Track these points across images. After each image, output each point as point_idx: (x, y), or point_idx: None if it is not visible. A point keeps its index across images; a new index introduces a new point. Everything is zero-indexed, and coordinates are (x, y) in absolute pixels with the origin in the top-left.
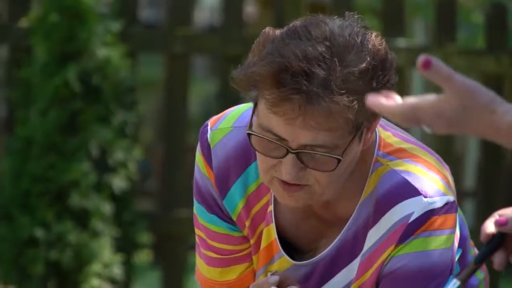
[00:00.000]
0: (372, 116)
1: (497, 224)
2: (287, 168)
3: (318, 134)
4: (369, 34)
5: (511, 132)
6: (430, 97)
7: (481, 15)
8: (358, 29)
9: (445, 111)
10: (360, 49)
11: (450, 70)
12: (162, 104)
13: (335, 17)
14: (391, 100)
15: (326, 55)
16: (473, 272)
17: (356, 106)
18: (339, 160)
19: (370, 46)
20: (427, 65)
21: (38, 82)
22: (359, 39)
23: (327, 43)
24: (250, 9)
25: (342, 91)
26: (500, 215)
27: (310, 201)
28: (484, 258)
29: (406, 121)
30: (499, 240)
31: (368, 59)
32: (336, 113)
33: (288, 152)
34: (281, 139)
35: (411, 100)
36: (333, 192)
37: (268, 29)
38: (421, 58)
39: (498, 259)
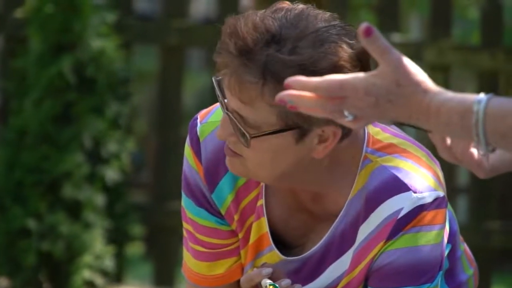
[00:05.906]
0: (318, 123)
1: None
2: (220, 125)
3: (237, 102)
4: (339, 42)
5: (440, 112)
6: (361, 74)
7: (476, 11)
8: (328, 33)
9: (376, 86)
10: (310, 45)
11: (388, 43)
12: (156, 96)
13: (321, 11)
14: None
15: (271, 30)
16: None
17: (274, 92)
18: (248, 137)
19: (325, 49)
20: (368, 32)
21: (33, 72)
22: (319, 38)
23: (278, 23)
24: (246, 2)
25: (261, 69)
26: None
27: (245, 175)
28: None
29: (330, 98)
30: None
31: (308, 56)
32: (246, 84)
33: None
34: (224, 98)
35: (340, 75)
36: (269, 177)
37: None
38: (363, 25)
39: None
